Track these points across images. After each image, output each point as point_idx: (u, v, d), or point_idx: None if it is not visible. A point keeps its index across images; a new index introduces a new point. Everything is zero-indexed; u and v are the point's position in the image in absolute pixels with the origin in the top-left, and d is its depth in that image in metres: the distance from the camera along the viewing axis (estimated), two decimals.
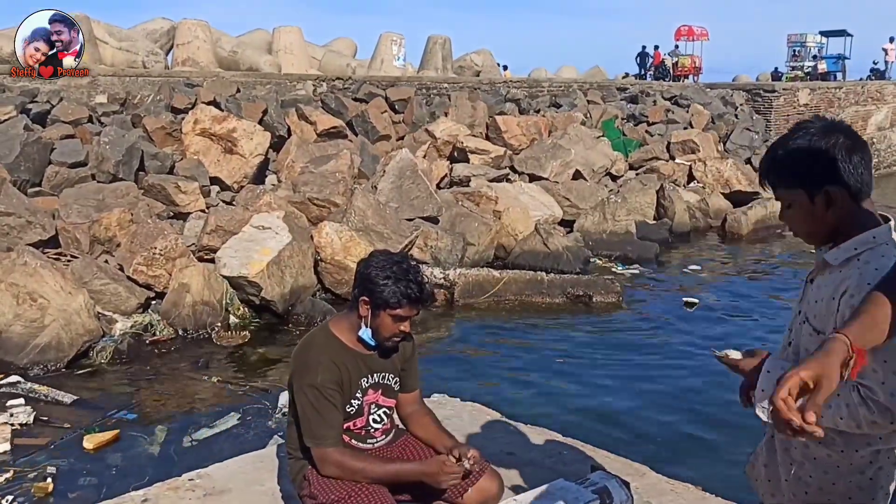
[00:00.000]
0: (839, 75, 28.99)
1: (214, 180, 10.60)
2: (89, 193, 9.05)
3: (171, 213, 9.45)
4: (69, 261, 7.71)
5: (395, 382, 2.69)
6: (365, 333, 2.53)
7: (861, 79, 28.52)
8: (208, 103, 11.95)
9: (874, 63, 31.06)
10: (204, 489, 3.26)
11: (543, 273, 9.43)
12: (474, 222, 10.59)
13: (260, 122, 11.90)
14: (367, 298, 2.49)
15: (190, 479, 3.35)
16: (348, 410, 2.55)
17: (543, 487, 2.84)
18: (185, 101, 12.14)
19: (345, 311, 2.65)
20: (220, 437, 5.38)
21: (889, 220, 1.80)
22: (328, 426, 2.47)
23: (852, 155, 1.74)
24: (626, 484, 2.96)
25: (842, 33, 31.57)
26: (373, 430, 2.65)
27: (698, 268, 11.28)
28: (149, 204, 9.27)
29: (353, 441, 2.62)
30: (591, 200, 12.45)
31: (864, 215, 1.77)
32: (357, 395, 2.56)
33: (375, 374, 2.62)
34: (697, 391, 6.50)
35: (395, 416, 2.76)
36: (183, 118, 11.25)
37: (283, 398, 5.81)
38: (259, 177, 11.20)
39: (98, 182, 9.64)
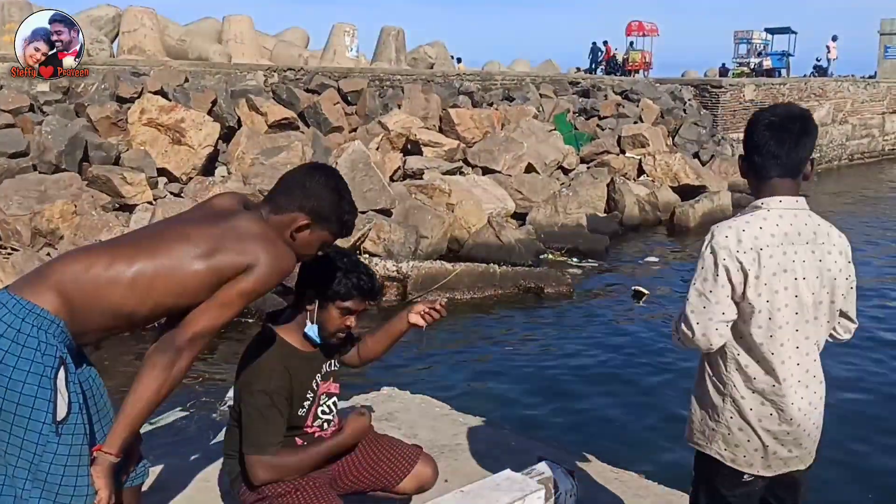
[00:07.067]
0: (783, 72, 29.71)
1: (162, 172, 10.39)
2: (30, 185, 8.79)
3: (117, 205, 9.25)
4: (9, 254, 7.50)
5: (336, 365, 2.67)
6: (311, 330, 2.48)
7: (805, 75, 29.28)
8: (155, 93, 11.70)
9: (817, 60, 31.98)
10: (147, 484, 3.20)
11: (496, 265, 9.49)
12: (427, 215, 10.60)
13: (209, 113, 11.70)
14: (314, 291, 2.45)
15: None
16: (300, 413, 2.51)
17: (490, 477, 2.88)
18: (131, 90, 11.86)
19: (287, 312, 2.58)
20: (163, 432, 5.29)
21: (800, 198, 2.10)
22: (274, 435, 2.41)
23: (762, 139, 2.07)
24: (571, 473, 3.01)
25: (786, 31, 32.37)
26: (322, 422, 2.60)
27: (648, 259, 11.48)
28: (93, 195, 9.06)
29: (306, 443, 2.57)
30: (543, 193, 12.56)
31: (765, 188, 2.09)
32: (309, 395, 2.52)
33: (324, 366, 2.60)
34: (643, 381, 6.63)
35: (338, 412, 2.73)
36: (129, 108, 10.99)
37: (232, 391, 5.74)
38: (208, 168, 11.02)
39: (40, 173, 9.37)
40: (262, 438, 2.40)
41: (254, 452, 2.41)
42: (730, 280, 2.00)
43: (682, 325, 2.08)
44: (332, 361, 2.65)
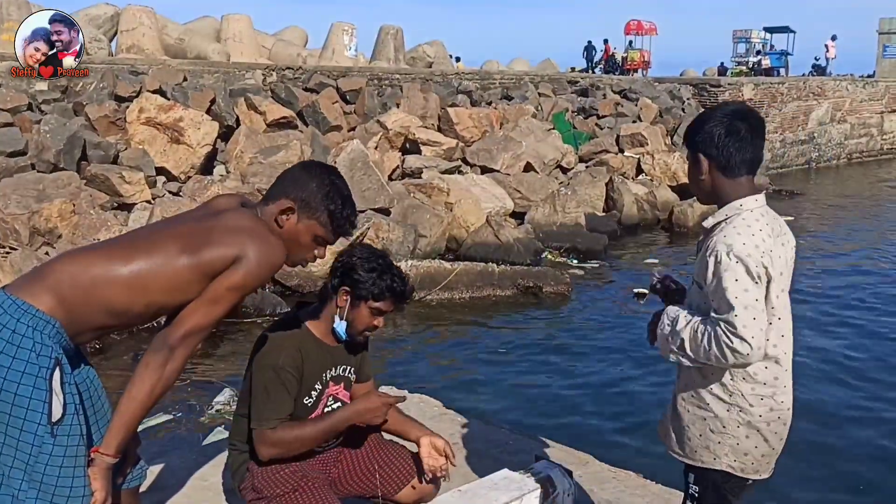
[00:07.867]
0: (782, 71, 29.73)
1: (160, 171, 10.38)
2: (29, 183, 8.79)
3: (115, 204, 9.24)
4: (7, 253, 7.50)
5: (353, 374, 2.68)
6: (339, 326, 2.50)
7: (803, 74, 29.29)
8: (154, 91, 11.70)
9: (815, 59, 31.99)
10: (145, 484, 3.20)
11: (494, 265, 9.49)
12: (426, 214, 10.60)
13: (208, 112, 11.69)
14: (348, 289, 2.47)
15: None
16: (306, 402, 2.50)
17: (488, 476, 2.88)
18: (129, 89, 11.85)
19: (316, 305, 2.60)
20: (155, 433, 5.28)
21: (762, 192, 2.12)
22: (275, 410, 2.41)
23: (730, 136, 2.06)
24: (569, 472, 3.02)
25: (785, 30, 32.43)
26: None
27: (647, 259, 11.48)
28: (91, 194, 9.05)
29: None
30: (541, 193, 12.56)
31: (735, 187, 2.09)
32: (317, 386, 2.53)
33: (338, 367, 2.59)
34: (640, 380, 6.63)
35: None
36: (127, 107, 10.99)
37: (221, 396, 5.75)
38: (207, 167, 11.01)
39: (38, 172, 9.37)
40: (264, 412, 2.41)
41: (257, 426, 2.42)
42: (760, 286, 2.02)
43: (737, 345, 1.93)
44: (349, 368, 2.64)
